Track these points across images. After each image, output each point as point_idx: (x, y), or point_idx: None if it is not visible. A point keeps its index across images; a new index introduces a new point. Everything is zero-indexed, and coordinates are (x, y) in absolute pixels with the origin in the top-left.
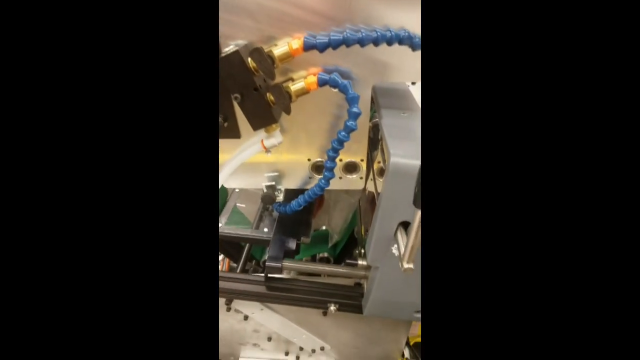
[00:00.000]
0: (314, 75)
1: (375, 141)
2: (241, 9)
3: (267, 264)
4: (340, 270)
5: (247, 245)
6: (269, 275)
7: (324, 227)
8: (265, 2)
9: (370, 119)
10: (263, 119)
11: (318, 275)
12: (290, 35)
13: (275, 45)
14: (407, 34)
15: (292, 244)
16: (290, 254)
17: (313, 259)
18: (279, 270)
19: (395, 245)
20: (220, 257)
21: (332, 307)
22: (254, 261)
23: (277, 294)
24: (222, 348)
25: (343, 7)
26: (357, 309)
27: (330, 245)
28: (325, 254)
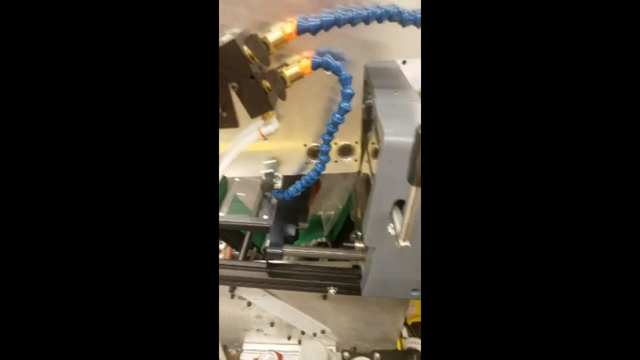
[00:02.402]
0: (308, 58)
1: (368, 123)
2: None
3: (268, 250)
4: (339, 253)
5: (248, 233)
6: (270, 261)
7: (320, 213)
8: None
9: (363, 101)
10: (260, 106)
11: (316, 259)
12: (283, 20)
13: (269, 31)
14: (396, 9)
15: (292, 230)
16: (290, 240)
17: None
18: (280, 256)
19: (391, 225)
20: (223, 245)
21: (332, 290)
22: (255, 248)
23: (278, 279)
24: (227, 334)
25: None
26: (356, 290)
27: (327, 231)
28: (323, 239)
